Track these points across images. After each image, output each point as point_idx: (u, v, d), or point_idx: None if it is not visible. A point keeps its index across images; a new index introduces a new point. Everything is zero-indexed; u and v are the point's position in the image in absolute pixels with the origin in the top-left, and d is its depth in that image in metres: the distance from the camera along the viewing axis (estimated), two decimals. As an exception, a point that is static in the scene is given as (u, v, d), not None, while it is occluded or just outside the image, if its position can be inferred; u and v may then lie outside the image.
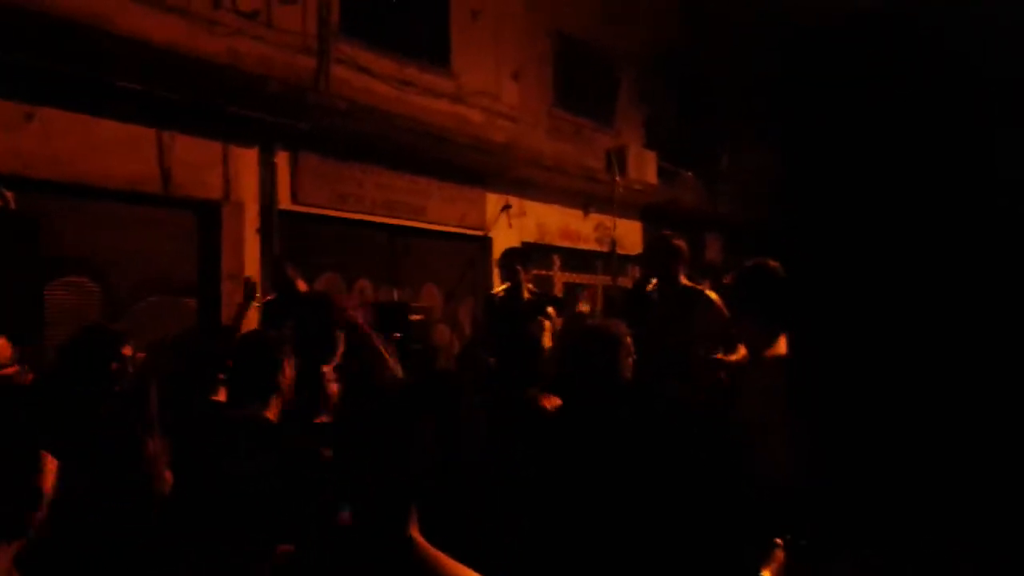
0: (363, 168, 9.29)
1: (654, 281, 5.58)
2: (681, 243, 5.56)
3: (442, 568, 1.76)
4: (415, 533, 1.81)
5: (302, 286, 6.75)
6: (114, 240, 7.19)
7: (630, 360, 3.37)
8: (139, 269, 7.37)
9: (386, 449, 1.83)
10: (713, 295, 5.27)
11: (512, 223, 11.43)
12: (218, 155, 7.90)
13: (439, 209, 10.36)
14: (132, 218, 7.37)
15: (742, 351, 4.31)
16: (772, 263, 3.59)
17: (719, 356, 4.56)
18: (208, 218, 7.96)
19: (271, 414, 3.17)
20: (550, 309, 7.05)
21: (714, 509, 2.74)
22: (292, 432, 3.22)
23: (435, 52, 10.20)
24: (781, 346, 3.48)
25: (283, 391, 3.25)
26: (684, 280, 5.44)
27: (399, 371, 4.96)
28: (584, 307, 12.30)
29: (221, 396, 3.85)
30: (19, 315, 4.55)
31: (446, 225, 10.52)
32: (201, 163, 7.72)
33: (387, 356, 4.67)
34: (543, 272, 12.24)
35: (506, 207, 10.04)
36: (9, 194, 6.20)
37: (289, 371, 3.29)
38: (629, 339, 3.38)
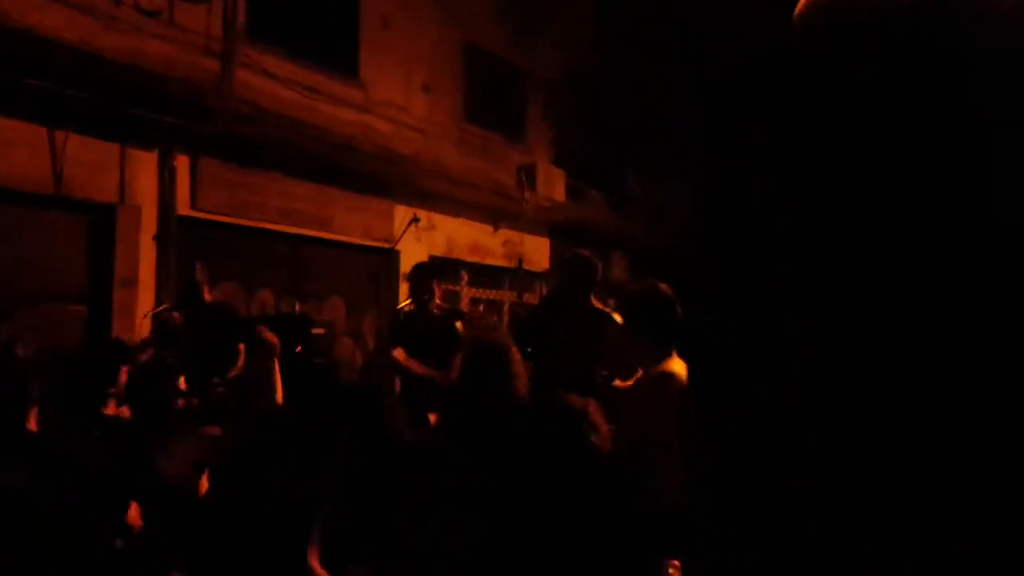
0: (266, 175, 9.08)
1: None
2: (597, 263, 5.61)
3: None
4: (313, 560, 1.77)
5: (207, 295, 6.57)
6: (1, 243, 6.85)
7: (524, 375, 3.36)
8: (26, 274, 7.03)
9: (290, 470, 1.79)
10: (619, 317, 5.31)
11: (420, 236, 11.34)
12: (115, 157, 7.61)
13: (344, 220, 10.20)
14: (19, 220, 7.02)
15: (639, 375, 4.38)
16: (661, 285, 3.74)
17: (615, 381, 4.60)
18: (102, 222, 7.65)
19: None
20: (458, 324, 6.98)
21: (604, 530, 2.73)
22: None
23: (344, 60, 10.07)
24: (672, 364, 3.57)
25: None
26: (593, 300, 5.47)
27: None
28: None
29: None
30: None
31: (352, 236, 10.36)
32: (96, 164, 7.43)
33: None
34: (451, 287, 12.18)
35: (414, 220, 9.93)
36: None
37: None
38: (517, 354, 3.38)
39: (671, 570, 3.05)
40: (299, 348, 6.95)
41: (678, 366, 3.53)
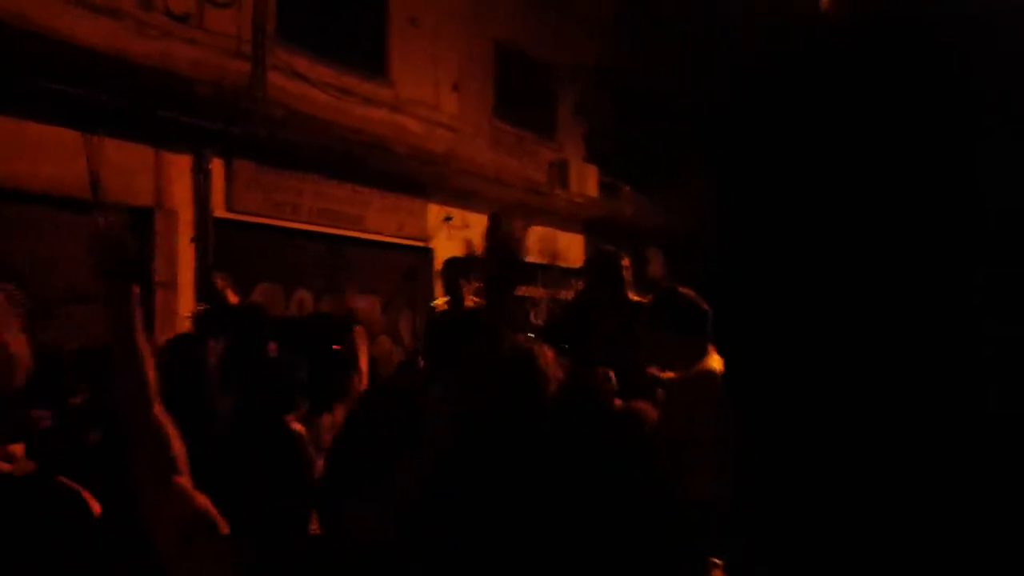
0: (300, 176, 9.18)
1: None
2: (623, 258, 5.58)
3: None
4: None
5: (232, 298, 6.63)
6: (40, 246, 6.99)
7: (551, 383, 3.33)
8: (65, 276, 7.15)
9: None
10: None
11: (454, 234, 11.38)
12: (150, 160, 7.73)
13: (378, 219, 10.27)
14: (59, 224, 7.15)
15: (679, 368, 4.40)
16: (682, 289, 3.89)
17: (654, 372, 4.60)
18: (139, 225, 7.73)
19: None
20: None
21: (644, 528, 2.71)
22: None
23: (373, 60, 10.15)
24: (711, 361, 3.61)
25: None
26: (631, 295, 5.44)
27: None
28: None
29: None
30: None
31: (386, 235, 10.43)
32: (132, 168, 7.55)
33: None
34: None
35: (447, 219, 10.00)
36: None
37: None
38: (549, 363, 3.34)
39: (715, 571, 3.03)
40: (338, 347, 6.99)
41: (717, 363, 3.55)
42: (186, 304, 7.89)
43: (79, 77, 6.76)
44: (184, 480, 1.96)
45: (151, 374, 2.02)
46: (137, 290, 2.02)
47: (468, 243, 10.44)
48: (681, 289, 3.90)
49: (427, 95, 10.93)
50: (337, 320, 8.21)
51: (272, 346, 6.77)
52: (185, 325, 7.73)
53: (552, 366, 3.26)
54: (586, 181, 13.68)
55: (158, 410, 2.00)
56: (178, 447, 1.99)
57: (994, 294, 2.07)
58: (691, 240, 14.80)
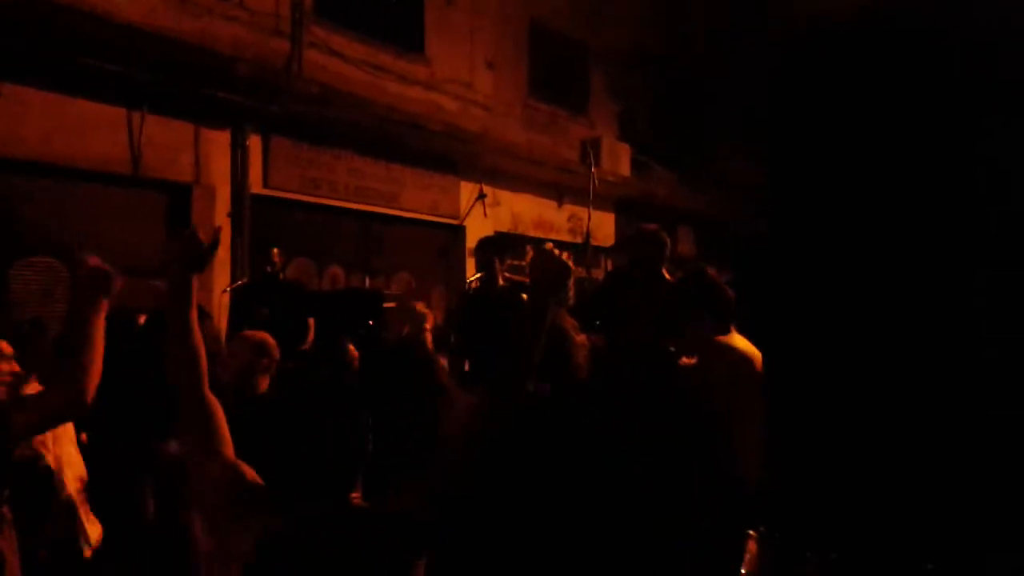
0: (335, 153, 9.26)
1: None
2: (665, 237, 5.60)
3: None
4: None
5: (280, 275, 6.82)
6: (83, 221, 7.13)
7: (583, 354, 3.37)
8: (108, 251, 7.27)
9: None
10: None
11: (486, 212, 11.43)
12: (189, 137, 7.84)
13: (412, 197, 10.34)
14: (102, 199, 7.30)
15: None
16: (709, 270, 4.08)
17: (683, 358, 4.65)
18: (179, 200, 7.90)
19: None
20: (524, 297, 7.01)
21: (685, 499, 2.75)
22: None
23: (409, 38, 10.18)
24: (735, 339, 3.71)
25: None
26: (665, 274, 5.47)
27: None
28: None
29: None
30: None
31: (419, 212, 10.50)
32: (172, 144, 7.67)
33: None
34: (516, 262, 12.24)
35: (481, 196, 10.02)
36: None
37: None
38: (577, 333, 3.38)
39: (750, 542, 3.09)
40: (372, 322, 7.09)
41: (738, 340, 3.64)
42: (222, 278, 8.03)
43: (123, 55, 6.85)
44: (229, 451, 2.08)
45: (203, 355, 2.16)
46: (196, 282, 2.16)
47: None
48: (708, 270, 4.02)
49: (462, 73, 10.95)
50: (371, 295, 8.34)
51: (311, 320, 6.91)
52: (222, 299, 7.89)
53: (576, 328, 3.31)
54: (619, 160, 13.63)
55: (207, 388, 2.14)
56: (224, 422, 2.12)
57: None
58: (722, 220, 14.78)
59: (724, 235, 14.39)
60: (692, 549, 2.70)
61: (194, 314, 2.18)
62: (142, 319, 4.42)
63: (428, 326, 4.26)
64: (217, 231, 2.24)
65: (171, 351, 2.17)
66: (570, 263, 2.41)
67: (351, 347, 5.27)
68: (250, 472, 2.03)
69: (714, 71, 14.98)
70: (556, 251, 2.44)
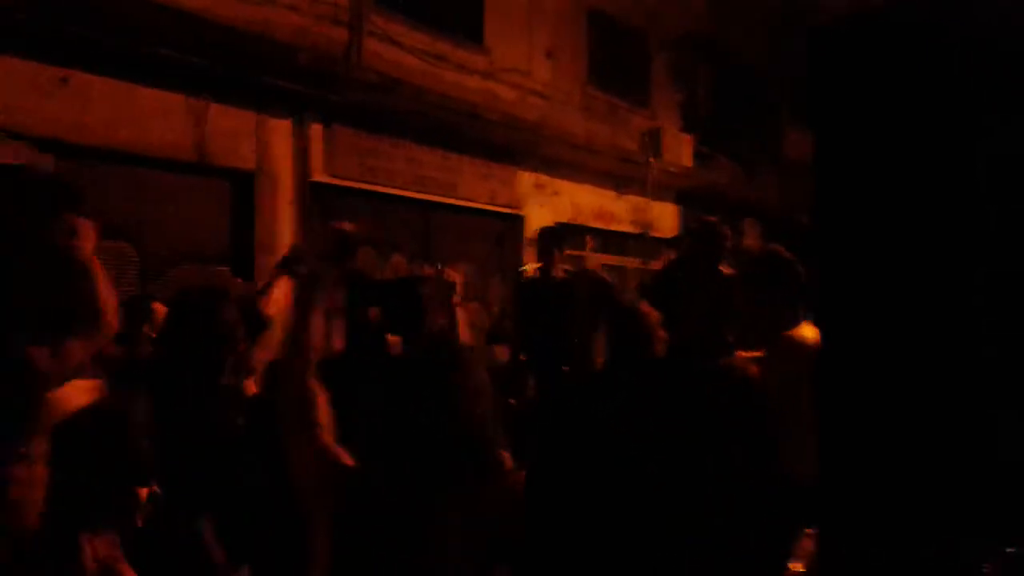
0: (394, 142, 9.34)
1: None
2: (726, 230, 5.52)
3: None
4: None
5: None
6: (150, 207, 7.32)
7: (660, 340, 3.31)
8: (174, 237, 7.49)
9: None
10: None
11: (545, 202, 11.43)
12: (252, 125, 7.98)
13: (470, 186, 10.38)
14: (168, 186, 7.48)
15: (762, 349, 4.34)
16: (781, 249, 3.72)
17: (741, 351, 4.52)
18: (242, 188, 8.05)
19: None
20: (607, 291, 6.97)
21: (747, 492, 2.71)
22: None
23: (468, 27, 10.22)
24: (805, 330, 3.49)
25: None
26: (723, 268, 5.40)
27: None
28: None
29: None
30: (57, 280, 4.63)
31: (477, 202, 10.54)
32: (235, 133, 7.82)
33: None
34: (576, 253, 12.21)
35: (539, 186, 10.05)
36: (47, 158, 6.34)
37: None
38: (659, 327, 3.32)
39: (807, 539, 3.03)
40: (413, 309, 7.12)
41: (809, 332, 3.45)
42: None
43: (186, 43, 7.01)
44: (324, 433, 2.18)
45: (318, 344, 2.26)
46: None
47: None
48: (784, 252, 3.74)
49: (521, 62, 10.96)
50: (414, 282, 8.38)
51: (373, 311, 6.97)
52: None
53: (658, 326, 3.26)
54: (681, 150, 13.51)
55: (312, 376, 2.23)
56: (324, 408, 2.21)
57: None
58: (788, 212, 14.52)
59: (791, 226, 14.17)
60: (736, 544, 2.65)
61: (318, 306, 2.26)
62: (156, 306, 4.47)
63: (456, 294, 4.20)
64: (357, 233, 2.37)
65: (292, 334, 2.26)
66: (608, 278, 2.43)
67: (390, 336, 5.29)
68: (343, 454, 2.15)
69: (775, 58, 14.74)
70: (597, 269, 2.43)
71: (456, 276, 4.41)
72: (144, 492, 2.34)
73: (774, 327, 3.57)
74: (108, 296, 2.21)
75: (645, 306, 3.36)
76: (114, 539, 2.16)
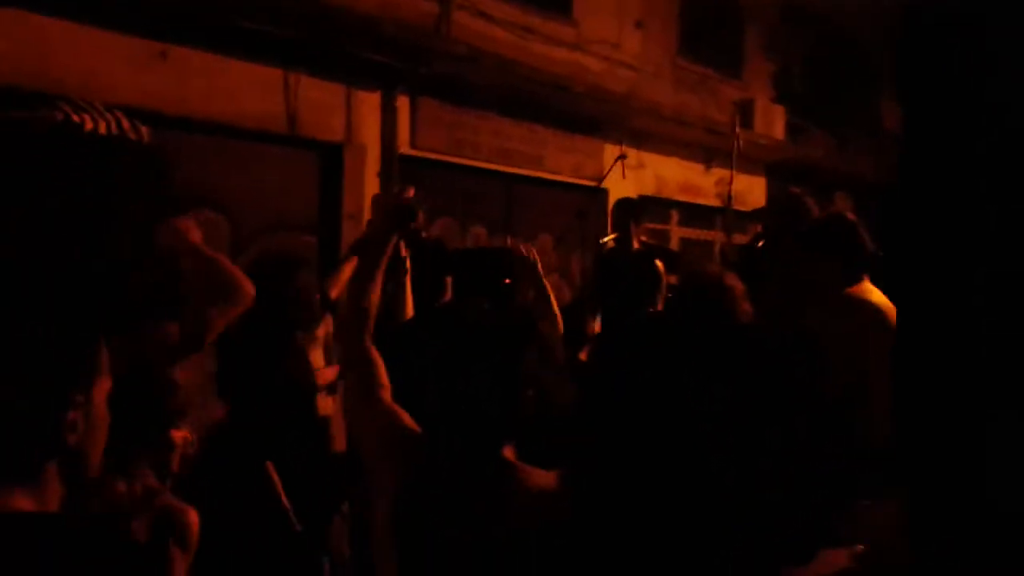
0: (480, 115, 9.38)
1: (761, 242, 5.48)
2: (809, 202, 5.41)
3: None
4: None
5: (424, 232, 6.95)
6: (241, 178, 7.52)
7: (745, 308, 3.28)
8: (264, 206, 7.70)
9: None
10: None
11: (629, 175, 11.30)
12: (342, 98, 8.11)
13: (555, 159, 10.37)
14: (259, 157, 7.68)
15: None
16: (848, 213, 3.75)
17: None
18: (331, 159, 8.22)
19: None
20: (658, 262, 6.95)
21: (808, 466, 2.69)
22: None
23: (557, -1, 10.15)
24: (864, 290, 3.46)
25: None
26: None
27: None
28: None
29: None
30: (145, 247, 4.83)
31: (562, 175, 10.52)
32: (325, 105, 7.96)
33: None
34: (659, 226, 12.10)
35: (621, 157, 9.94)
36: (144, 129, 6.56)
37: None
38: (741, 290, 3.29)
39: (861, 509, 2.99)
40: (507, 280, 7.19)
41: (872, 293, 3.40)
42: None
43: (278, 17, 7.14)
44: (386, 395, 2.24)
45: (373, 310, 2.33)
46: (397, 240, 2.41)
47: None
48: (849, 215, 3.75)
49: (610, 34, 10.83)
50: (507, 254, 8.45)
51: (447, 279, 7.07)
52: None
53: (744, 298, 3.24)
54: (772, 122, 13.22)
55: (368, 340, 2.30)
56: (383, 370, 2.28)
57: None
58: (882, 185, 14.08)
59: (884, 202, 13.74)
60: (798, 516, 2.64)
61: (380, 272, 2.36)
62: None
63: (537, 271, 4.21)
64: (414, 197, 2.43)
65: (351, 298, 2.35)
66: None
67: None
68: (407, 418, 2.18)
69: (872, 28, 14.22)
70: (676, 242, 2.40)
71: (535, 252, 4.44)
72: (179, 436, 2.50)
73: (836, 287, 3.55)
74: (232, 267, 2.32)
75: (730, 278, 3.33)
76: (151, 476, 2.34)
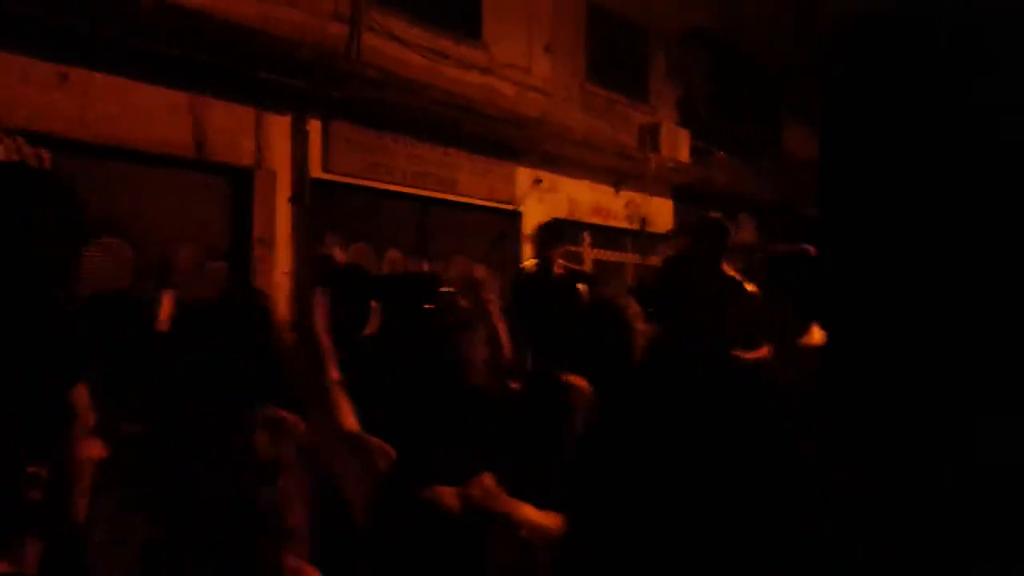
0: (394, 138, 9.32)
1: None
2: (729, 227, 5.52)
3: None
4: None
5: (341, 258, 6.84)
6: (148, 204, 7.28)
7: (639, 338, 3.27)
8: (172, 233, 7.46)
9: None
10: (751, 287, 5.22)
11: (543, 198, 11.41)
12: (251, 121, 7.95)
13: (469, 182, 10.36)
14: (166, 182, 7.45)
15: (763, 350, 4.26)
16: (810, 248, 3.54)
17: (738, 353, 4.45)
18: (241, 184, 8.02)
19: None
20: (580, 286, 6.99)
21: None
22: None
23: (467, 23, 10.18)
24: (815, 335, 3.43)
25: None
26: (725, 267, 5.40)
27: None
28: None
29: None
30: (57, 276, 4.61)
31: (476, 198, 10.52)
32: (234, 129, 7.78)
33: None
34: (573, 248, 12.20)
35: (537, 182, 10.02)
36: (45, 154, 6.30)
37: None
38: (636, 316, 3.28)
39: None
40: (429, 306, 7.13)
41: (820, 337, 3.40)
42: (283, 261, 8.16)
43: (186, 40, 6.97)
44: (354, 424, 2.31)
45: (326, 347, 2.43)
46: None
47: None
48: (808, 249, 3.61)
49: (520, 58, 10.93)
50: (430, 279, 8.38)
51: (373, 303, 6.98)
52: (282, 281, 8.01)
53: (638, 317, 3.24)
54: (678, 145, 13.50)
55: (332, 374, 2.38)
56: (345, 400, 2.35)
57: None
58: (785, 207, 14.53)
59: (787, 221, 14.18)
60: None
61: (322, 320, 2.49)
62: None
63: (489, 295, 4.13)
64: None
65: (299, 351, 2.47)
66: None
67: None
68: (377, 441, 2.24)
69: (775, 53, 14.73)
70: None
71: (481, 273, 4.39)
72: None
73: (785, 330, 3.55)
74: None
75: (627, 301, 3.35)
76: None
